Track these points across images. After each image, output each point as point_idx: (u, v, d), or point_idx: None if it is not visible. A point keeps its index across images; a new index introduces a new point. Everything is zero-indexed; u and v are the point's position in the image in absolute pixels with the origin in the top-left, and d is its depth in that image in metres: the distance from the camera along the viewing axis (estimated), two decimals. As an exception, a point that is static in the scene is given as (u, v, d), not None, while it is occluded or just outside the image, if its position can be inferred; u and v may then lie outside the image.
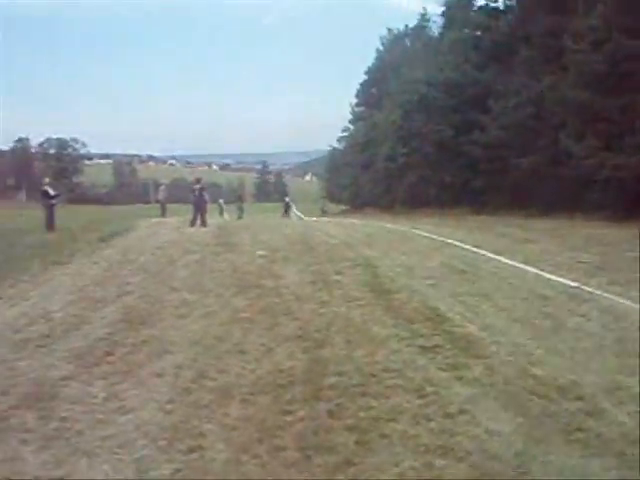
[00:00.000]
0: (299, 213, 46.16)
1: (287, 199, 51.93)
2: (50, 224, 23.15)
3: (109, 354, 7.49)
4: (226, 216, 42.49)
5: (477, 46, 42.94)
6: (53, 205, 24.12)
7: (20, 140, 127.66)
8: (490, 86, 39.12)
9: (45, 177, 33.54)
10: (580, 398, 5.89)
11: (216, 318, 9.15)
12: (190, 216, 26.54)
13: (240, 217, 40.61)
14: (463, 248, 16.22)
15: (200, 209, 26.57)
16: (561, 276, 12.08)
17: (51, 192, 24.63)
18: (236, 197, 49.68)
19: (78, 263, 14.24)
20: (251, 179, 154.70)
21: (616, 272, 12.45)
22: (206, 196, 28.49)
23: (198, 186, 27.81)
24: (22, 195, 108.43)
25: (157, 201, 36.28)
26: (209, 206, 29.24)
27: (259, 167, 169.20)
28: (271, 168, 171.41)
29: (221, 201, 48.26)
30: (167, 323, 8.92)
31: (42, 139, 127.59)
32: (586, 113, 30.47)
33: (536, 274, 12.45)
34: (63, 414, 5.71)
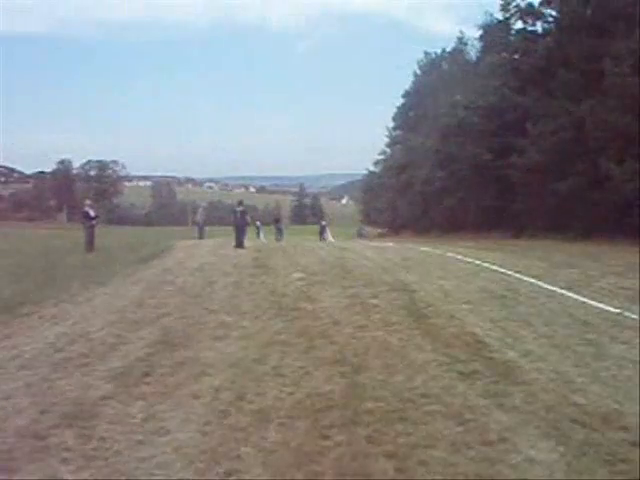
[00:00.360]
0: (330, 237, 46.07)
1: (323, 222, 51.94)
2: (90, 244, 23.43)
3: (147, 375, 7.53)
4: (262, 238, 42.63)
5: (515, 69, 42.79)
6: (93, 226, 24.43)
7: (62, 162, 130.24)
8: (529, 110, 38.91)
9: (86, 198, 33.99)
10: (624, 428, 5.76)
11: (253, 340, 9.16)
12: (233, 237, 26.62)
13: (278, 239, 40.63)
14: (502, 272, 16.04)
15: (240, 230, 26.89)
16: (603, 302, 11.89)
17: (92, 213, 24.95)
18: (274, 219, 49.68)
19: (117, 284, 14.38)
20: (287, 202, 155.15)
21: (659, 299, 12.20)
22: (247, 218, 28.97)
23: (240, 208, 28.19)
24: (63, 216, 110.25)
25: (195, 223, 36.51)
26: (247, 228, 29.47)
27: (295, 190, 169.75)
28: (308, 191, 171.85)
29: (258, 223, 48.50)
30: (205, 345, 8.95)
31: (83, 161, 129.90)
32: (626, 136, 30.14)
33: (577, 299, 12.26)
34: (102, 434, 5.74)
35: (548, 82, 37.88)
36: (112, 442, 5.56)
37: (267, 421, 6.03)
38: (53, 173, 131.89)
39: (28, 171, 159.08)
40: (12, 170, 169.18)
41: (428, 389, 6.89)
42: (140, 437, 5.67)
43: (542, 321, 10.31)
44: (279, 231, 43.82)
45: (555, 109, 36.23)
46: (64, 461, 5.20)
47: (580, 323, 10.15)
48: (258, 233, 45.55)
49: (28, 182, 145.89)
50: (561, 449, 5.33)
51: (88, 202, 27.56)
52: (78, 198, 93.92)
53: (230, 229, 28.13)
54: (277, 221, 47.07)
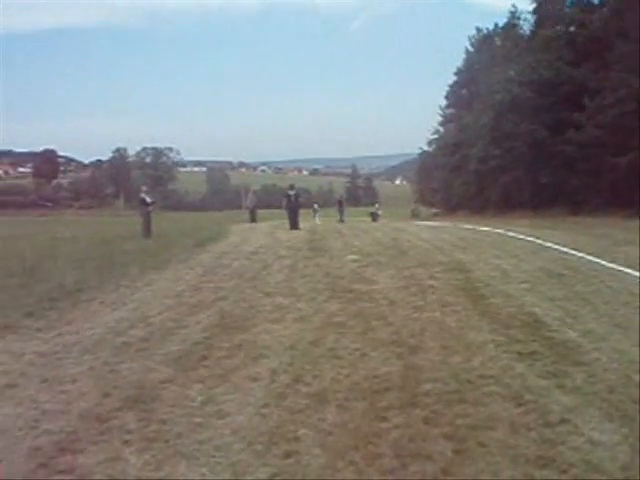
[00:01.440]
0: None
1: (376, 207, 52.14)
2: (147, 230, 23.77)
3: (206, 358, 7.62)
4: (317, 220, 42.96)
5: (571, 42, 41.77)
6: (150, 212, 24.79)
7: (118, 150, 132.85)
8: (585, 83, 37.98)
9: (142, 185, 34.50)
10: (690, 408, 5.60)
11: (310, 323, 9.19)
12: (287, 221, 27.69)
13: (342, 220, 41.04)
14: (560, 251, 15.77)
15: (295, 213, 27.79)
16: (666, 279, 11.58)
17: (148, 200, 25.31)
18: (337, 201, 50.09)
19: (174, 268, 14.58)
20: (341, 184, 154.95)
21: None
22: (300, 200, 29.81)
23: (292, 192, 29.16)
24: (120, 203, 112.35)
25: (246, 207, 36.84)
26: (301, 211, 29.90)
27: (348, 172, 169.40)
28: (361, 172, 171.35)
29: (316, 206, 49.32)
30: (261, 328, 9.01)
31: (139, 148, 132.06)
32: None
33: (638, 277, 11.96)
34: (163, 417, 5.83)
35: (605, 54, 36.89)
36: (172, 424, 5.65)
37: (324, 403, 6.04)
38: (110, 161, 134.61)
39: (86, 160, 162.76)
40: (71, 159, 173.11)
41: (486, 370, 6.82)
42: (199, 420, 5.74)
43: (602, 300, 10.11)
44: (341, 213, 44.21)
45: (613, 82, 35.30)
46: (126, 443, 5.30)
47: (642, 301, 9.90)
48: (314, 215, 46.19)
49: (86, 171, 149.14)
50: (624, 430, 5.21)
51: (144, 188, 27.99)
52: (134, 185, 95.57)
53: (284, 212, 28.48)
54: (340, 204, 47.43)
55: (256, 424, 5.62)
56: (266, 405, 6.03)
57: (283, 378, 6.78)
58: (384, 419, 5.61)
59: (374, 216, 48.18)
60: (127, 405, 6.11)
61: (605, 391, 6.09)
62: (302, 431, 5.44)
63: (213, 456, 5.04)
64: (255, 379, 6.81)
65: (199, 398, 6.27)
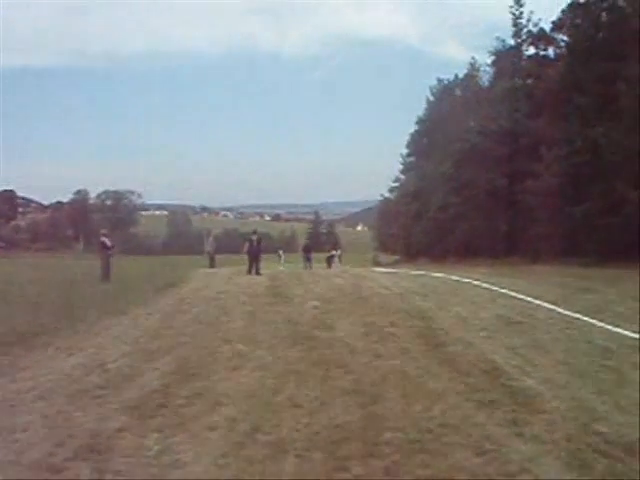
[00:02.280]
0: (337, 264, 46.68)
1: (334, 252, 52.34)
2: (106, 274, 23.51)
3: (163, 406, 7.48)
4: (282, 267, 42.83)
5: (528, 94, 42.91)
6: (109, 256, 24.54)
7: (79, 192, 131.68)
8: (543, 134, 38.86)
9: (102, 228, 34.18)
10: (647, 457, 5.63)
11: (269, 370, 9.10)
12: (246, 265, 27.75)
13: (307, 267, 40.81)
14: (518, 298, 15.93)
15: (256, 258, 27.89)
16: (622, 327, 11.74)
17: (108, 243, 25.09)
18: (303, 249, 49.89)
19: (133, 314, 14.39)
20: (303, 229, 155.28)
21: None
22: (262, 245, 29.86)
23: (255, 237, 29.41)
24: (80, 246, 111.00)
25: (207, 252, 36.65)
26: (267, 255, 30.20)
27: (311, 217, 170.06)
28: (323, 218, 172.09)
29: (280, 252, 49.46)
30: (220, 375, 8.90)
31: (100, 191, 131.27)
32: (642, 159, 30.02)
33: (595, 325, 12.13)
34: (118, 467, 5.68)
35: (561, 106, 37.88)
36: (127, 475, 5.51)
37: (283, 453, 5.96)
38: (70, 203, 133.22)
39: (46, 201, 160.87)
40: (30, 201, 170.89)
41: (447, 419, 6.80)
42: (155, 470, 5.61)
43: (561, 348, 10.21)
44: (308, 260, 43.95)
45: (569, 133, 36.19)
46: (79, 495, 5.15)
47: (600, 349, 10.03)
48: (280, 260, 46.38)
49: (45, 212, 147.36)
50: (583, 480, 5.22)
51: (104, 232, 27.72)
52: (94, 228, 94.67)
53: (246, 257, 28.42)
54: (307, 250, 47.10)
55: (213, 474, 5.52)
56: (224, 455, 5.92)
57: (242, 427, 6.68)
58: (344, 469, 5.54)
59: (330, 259, 47.98)
60: (81, 455, 5.95)
61: (564, 439, 6.11)
62: (261, 482, 5.34)
63: (169, 508, 4.92)
64: (213, 428, 6.69)
65: (155, 447, 6.14)
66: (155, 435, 6.50)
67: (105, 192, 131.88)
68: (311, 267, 40.82)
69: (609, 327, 11.89)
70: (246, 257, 28.53)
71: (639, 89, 30.40)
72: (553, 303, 14.87)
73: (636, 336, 10.91)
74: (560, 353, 9.85)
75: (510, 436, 6.25)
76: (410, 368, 9.07)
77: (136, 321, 13.44)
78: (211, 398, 7.79)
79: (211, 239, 38.58)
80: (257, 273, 26.68)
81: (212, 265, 33.59)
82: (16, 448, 6.17)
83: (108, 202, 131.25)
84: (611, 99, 32.84)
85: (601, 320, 12.54)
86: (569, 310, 13.82)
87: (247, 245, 29.03)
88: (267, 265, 35.19)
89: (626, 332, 11.33)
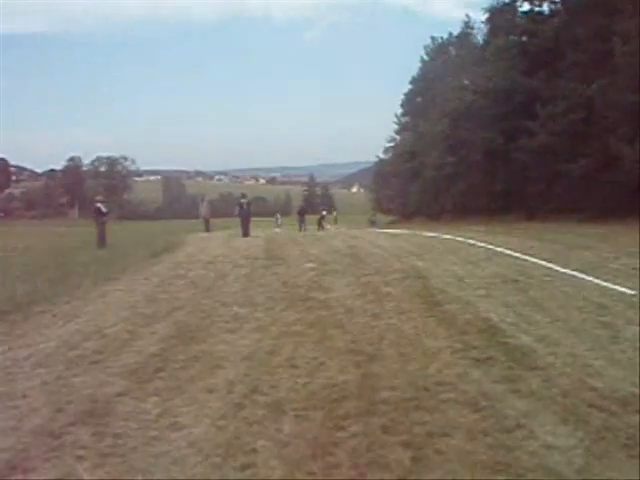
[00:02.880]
0: (328, 226, 47.17)
1: (324, 212, 52.75)
2: (102, 241, 23.51)
3: (161, 370, 7.51)
4: (278, 229, 43.10)
5: (523, 52, 42.45)
6: (105, 222, 24.50)
7: (72, 159, 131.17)
8: (538, 92, 38.59)
9: (97, 195, 34.10)
10: (641, 411, 5.69)
11: (267, 332, 9.14)
12: (239, 228, 28.97)
13: (302, 229, 41.25)
14: (515, 257, 15.96)
15: (246, 221, 29.26)
16: (617, 284, 11.77)
17: (103, 209, 25.03)
18: (298, 212, 50.34)
19: (129, 279, 14.42)
20: (298, 192, 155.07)
21: (675, 279, 12.08)
22: (251, 209, 31.15)
23: (244, 200, 30.67)
24: (74, 213, 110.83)
25: (202, 217, 36.70)
26: (263, 220, 30.95)
27: (305, 180, 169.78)
28: (318, 180, 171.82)
29: (278, 215, 50.00)
30: (218, 338, 8.93)
31: (93, 158, 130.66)
32: (637, 116, 29.87)
33: (591, 282, 12.16)
34: (117, 430, 5.71)
35: (557, 63, 37.57)
36: (127, 438, 5.54)
37: (282, 413, 5.99)
38: (63, 171, 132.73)
39: (39, 169, 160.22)
40: (23, 169, 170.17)
41: (443, 377, 6.84)
42: (155, 433, 5.64)
43: (556, 305, 10.24)
44: (302, 223, 44.42)
45: (564, 90, 35.94)
46: (79, 459, 5.18)
47: (595, 306, 10.05)
48: (277, 224, 46.84)
49: (39, 180, 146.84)
50: (579, 434, 5.26)
51: (99, 198, 27.69)
52: (89, 195, 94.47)
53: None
54: (301, 213, 47.69)
55: (213, 436, 5.55)
56: (223, 416, 5.96)
57: (240, 389, 6.71)
58: (342, 428, 5.58)
59: (319, 221, 48.42)
60: (81, 420, 5.98)
61: (560, 395, 6.15)
62: (260, 442, 5.37)
63: (169, 470, 4.95)
64: (212, 390, 6.72)
65: (154, 411, 6.17)
66: (154, 399, 6.53)
67: (98, 158, 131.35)
68: (305, 229, 41.13)
69: (605, 284, 11.91)
70: (239, 221, 29.73)
71: (633, 45, 30.12)
72: (549, 260, 14.90)
73: (631, 292, 10.94)
74: (556, 310, 9.88)
75: (506, 393, 6.29)
76: (407, 327, 9.11)
77: (132, 286, 13.46)
78: (209, 361, 7.82)
79: (206, 203, 38.53)
80: (247, 235, 27.84)
81: (207, 229, 33.65)
82: (16, 414, 6.20)
83: (102, 168, 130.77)
84: (606, 55, 32.54)
85: (597, 277, 12.57)
86: (565, 267, 13.84)
87: (237, 209, 30.29)
88: (264, 228, 35.31)
89: (621, 288, 11.35)
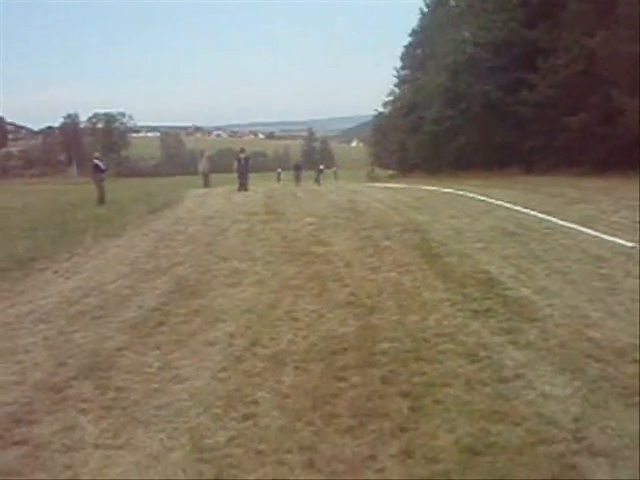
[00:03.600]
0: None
1: (321, 166, 52.72)
2: (101, 198, 23.46)
3: (162, 324, 7.57)
4: (278, 184, 43.30)
5: (524, 2, 41.78)
6: (103, 179, 24.43)
7: (69, 116, 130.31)
8: (539, 44, 38.10)
9: (95, 152, 33.94)
10: (638, 361, 5.72)
11: (266, 286, 9.19)
12: (237, 184, 28.94)
13: (297, 184, 41.34)
14: (513, 210, 15.95)
15: (244, 175, 29.45)
16: (616, 236, 11.77)
17: (101, 166, 24.94)
18: (294, 166, 50.38)
19: (129, 235, 14.43)
20: (297, 147, 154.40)
21: (675, 230, 12.08)
22: (250, 163, 31.76)
23: (243, 155, 30.93)
24: (73, 170, 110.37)
25: (201, 173, 36.54)
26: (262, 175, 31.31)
27: (304, 134, 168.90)
28: (317, 135, 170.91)
29: (279, 170, 50.04)
30: (218, 292, 8.98)
31: (90, 114, 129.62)
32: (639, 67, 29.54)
33: (590, 235, 12.16)
34: (119, 384, 5.79)
35: (558, 14, 36.95)
36: (129, 391, 5.61)
37: (282, 365, 6.06)
38: (61, 128, 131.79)
39: (36, 127, 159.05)
40: (20, 127, 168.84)
41: (442, 328, 6.90)
42: (156, 385, 5.71)
43: (555, 257, 10.26)
44: (298, 178, 44.56)
45: (566, 42, 35.44)
46: (82, 411, 5.25)
47: (593, 258, 10.08)
48: (278, 179, 46.99)
49: (37, 138, 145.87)
50: (576, 384, 5.32)
51: (97, 155, 27.52)
52: (87, 152, 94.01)
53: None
54: (298, 168, 47.80)
55: (214, 388, 5.61)
56: (224, 369, 6.02)
57: (240, 342, 6.78)
58: (342, 379, 5.64)
59: (317, 177, 48.37)
60: (83, 374, 6.05)
61: (557, 346, 6.21)
62: (260, 394, 5.44)
63: (171, 421, 5.02)
64: (212, 343, 6.79)
65: (156, 364, 6.24)
66: (155, 352, 6.60)
67: (96, 115, 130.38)
68: (300, 184, 41.24)
69: (604, 236, 11.91)
70: (237, 176, 29.72)
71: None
72: (548, 213, 14.88)
73: (630, 244, 10.96)
74: (554, 262, 9.91)
75: (504, 344, 6.35)
76: (406, 280, 9.15)
77: (132, 242, 13.49)
78: (209, 315, 7.88)
79: (205, 159, 38.31)
80: (245, 189, 27.98)
81: (207, 185, 33.53)
82: (19, 369, 6.28)
83: (99, 125, 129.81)
84: (609, 6, 32.04)
85: (595, 229, 12.57)
86: (564, 220, 13.83)
87: (236, 163, 30.36)
88: (264, 183, 35.28)
89: (620, 241, 11.35)
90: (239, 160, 30.34)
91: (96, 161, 25.44)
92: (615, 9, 31.15)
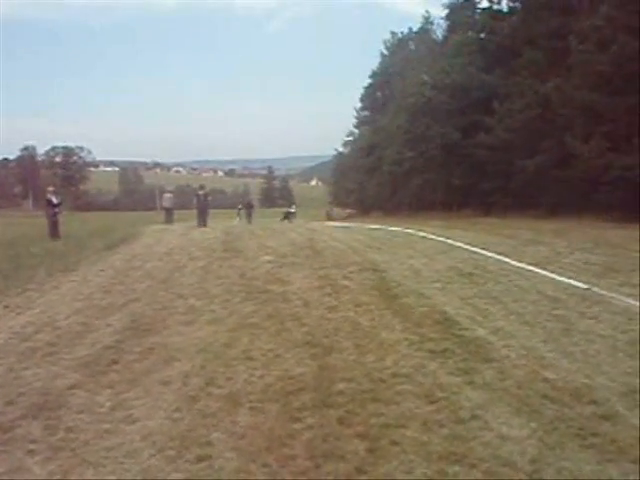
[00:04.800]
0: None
1: (293, 209, 52.40)
2: (55, 232, 23.13)
3: (116, 362, 7.42)
4: (237, 221, 43.12)
5: (482, 48, 42.91)
6: (57, 213, 24.12)
7: (26, 149, 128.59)
8: (495, 88, 39.04)
9: (49, 186, 33.62)
10: (594, 402, 5.79)
11: (223, 325, 9.09)
12: (196, 220, 29.31)
13: (249, 222, 41.31)
14: (470, 250, 16.10)
15: (204, 212, 29.71)
16: (571, 278, 11.95)
17: (55, 200, 24.65)
18: (246, 204, 50.29)
19: (84, 271, 14.19)
20: (257, 185, 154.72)
21: (626, 273, 12.31)
22: (209, 200, 32.13)
23: (202, 192, 31.37)
24: (29, 203, 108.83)
25: (164, 208, 36.36)
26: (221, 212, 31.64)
27: (264, 173, 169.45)
28: (277, 173, 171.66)
29: (240, 207, 50.09)
30: (174, 330, 8.86)
31: (48, 147, 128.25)
32: (592, 114, 30.38)
33: (545, 276, 12.33)
34: (69, 424, 5.63)
35: (514, 60, 37.98)
36: (79, 432, 5.46)
37: (238, 405, 5.97)
38: (18, 160, 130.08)
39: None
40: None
41: (399, 368, 6.88)
42: (108, 426, 5.57)
43: (511, 298, 10.36)
44: (249, 215, 44.58)
45: (521, 87, 36.36)
46: (30, 453, 5.09)
47: (549, 299, 10.20)
48: (238, 215, 46.96)
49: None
50: (533, 425, 5.33)
51: (50, 189, 27.28)
52: (44, 185, 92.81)
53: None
54: (249, 206, 47.85)
55: (167, 429, 5.50)
56: (178, 409, 5.91)
57: (195, 381, 6.66)
58: (298, 420, 5.58)
59: (288, 215, 48.22)
60: (32, 413, 5.88)
61: (514, 387, 6.23)
62: (215, 435, 5.34)
63: (122, 463, 4.89)
64: (167, 383, 6.66)
65: (108, 404, 6.09)
66: (107, 391, 6.45)
67: (54, 148, 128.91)
68: (251, 222, 41.27)
69: (559, 278, 12.09)
70: (196, 212, 30.19)
71: (589, 44, 30.56)
72: (504, 255, 15.07)
73: (584, 286, 11.12)
74: (511, 303, 10.00)
75: (461, 384, 6.35)
76: (363, 320, 9.13)
77: (87, 278, 13.26)
78: (164, 353, 7.75)
79: (170, 196, 38.10)
80: (204, 226, 28.15)
81: (170, 221, 33.31)
82: (-35, 407, 6.07)
83: (57, 158, 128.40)
84: (562, 54, 33.00)
85: (551, 271, 12.75)
86: (520, 261, 14.02)
87: (196, 200, 31.09)
88: (223, 220, 35.18)
89: (574, 282, 11.53)
90: (198, 197, 30.72)
91: (49, 195, 25.19)
92: (567, 57, 32.07)
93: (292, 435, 5.28)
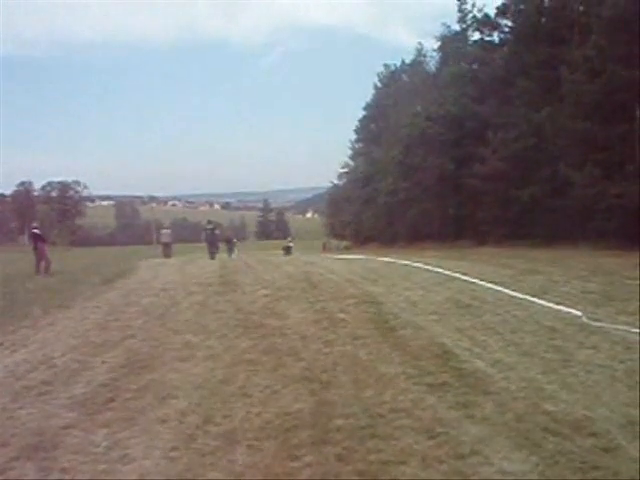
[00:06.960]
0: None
1: (289, 241, 52.37)
2: (39, 268, 23.14)
3: (111, 400, 7.35)
4: (234, 255, 43.04)
5: (475, 79, 43.36)
6: (43, 247, 24.13)
7: (22, 184, 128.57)
8: (489, 118, 39.35)
9: (44, 221, 34.00)
10: (594, 434, 5.74)
11: (220, 360, 9.02)
12: (201, 254, 31.59)
13: (230, 256, 41.27)
14: (467, 281, 16.07)
15: (213, 245, 32.44)
16: (568, 307, 11.93)
17: (40, 234, 24.84)
18: (226, 239, 50.39)
19: (80, 307, 14.12)
20: (253, 217, 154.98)
21: (623, 301, 12.31)
22: (217, 233, 34.63)
23: (210, 226, 34.16)
24: (24, 238, 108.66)
25: (162, 243, 36.41)
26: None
27: (260, 205, 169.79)
28: (272, 206, 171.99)
29: (235, 240, 49.87)
30: (170, 367, 8.79)
31: (44, 182, 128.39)
32: (585, 142, 30.64)
33: (543, 306, 12.30)
34: (64, 465, 5.55)
35: (507, 91, 38.38)
36: (74, 473, 5.39)
37: (235, 443, 5.90)
38: (13, 195, 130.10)
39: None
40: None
41: (398, 403, 6.82)
42: (104, 466, 5.50)
43: (509, 329, 10.32)
44: (230, 250, 44.59)
45: (514, 117, 36.70)
46: (24, 495, 5.02)
47: (547, 329, 10.17)
48: (232, 249, 46.86)
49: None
50: (533, 459, 5.28)
51: (35, 225, 27.69)
52: (40, 220, 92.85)
53: (195, 247, 29.19)
54: (229, 241, 47.93)
55: (164, 468, 5.43)
56: (174, 448, 5.84)
57: (192, 419, 6.60)
58: (296, 458, 5.51)
59: (287, 250, 48.20)
60: (26, 454, 5.80)
61: (514, 420, 6.18)
62: (212, 474, 5.28)
63: (118, 504, 4.82)
64: (163, 421, 6.59)
65: (104, 443, 6.02)
66: (103, 430, 6.37)
67: (50, 183, 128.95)
68: (232, 257, 41.15)
69: (556, 307, 12.06)
70: (205, 245, 32.91)
71: (580, 74, 30.92)
72: (501, 285, 15.05)
73: (581, 315, 11.09)
74: (508, 334, 9.96)
75: (461, 418, 6.29)
76: (361, 353, 9.08)
77: (83, 314, 13.18)
78: (161, 391, 7.68)
79: (169, 231, 38.12)
80: (212, 258, 30.09)
81: (168, 255, 33.34)
82: (-42, 449, 5.99)
83: (53, 193, 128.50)
84: (554, 83, 33.37)
85: (548, 300, 12.72)
86: (516, 291, 14.00)
87: (204, 234, 33.39)
88: (219, 253, 35.20)
89: (572, 311, 11.51)
90: (206, 230, 33.17)
91: (34, 230, 25.43)
92: (560, 87, 32.41)
93: (290, 473, 5.22)
